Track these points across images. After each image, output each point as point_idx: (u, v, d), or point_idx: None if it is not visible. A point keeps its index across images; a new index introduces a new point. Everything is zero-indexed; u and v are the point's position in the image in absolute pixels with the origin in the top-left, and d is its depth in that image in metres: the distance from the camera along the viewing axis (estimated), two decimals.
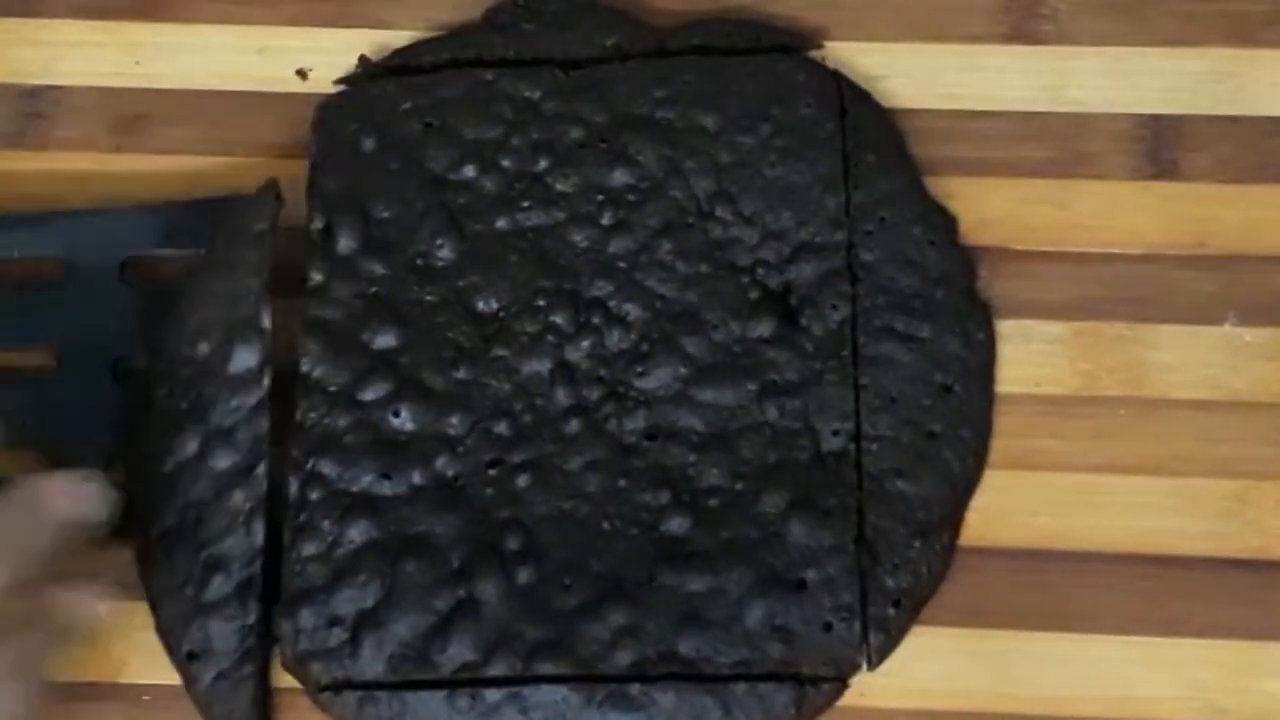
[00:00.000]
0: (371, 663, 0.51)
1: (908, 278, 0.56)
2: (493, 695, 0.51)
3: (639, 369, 0.55)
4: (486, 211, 0.57)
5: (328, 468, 0.53)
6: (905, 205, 0.57)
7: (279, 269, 0.55)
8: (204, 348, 0.54)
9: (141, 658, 0.53)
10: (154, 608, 0.53)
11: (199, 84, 0.61)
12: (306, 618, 0.52)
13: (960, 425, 0.55)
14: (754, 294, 0.55)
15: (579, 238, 0.56)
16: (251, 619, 0.52)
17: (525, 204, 0.57)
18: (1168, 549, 0.54)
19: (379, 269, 0.56)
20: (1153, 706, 0.52)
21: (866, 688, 0.52)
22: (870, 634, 0.52)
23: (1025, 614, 0.53)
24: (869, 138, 0.58)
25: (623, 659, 0.51)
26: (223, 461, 0.53)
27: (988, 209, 0.58)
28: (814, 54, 0.59)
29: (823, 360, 0.55)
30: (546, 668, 0.51)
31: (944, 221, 0.57)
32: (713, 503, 0.53)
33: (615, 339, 0.55)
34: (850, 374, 0.54)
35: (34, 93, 0.61)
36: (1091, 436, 0.55)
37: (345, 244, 0.56)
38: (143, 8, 0.62)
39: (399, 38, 0.61)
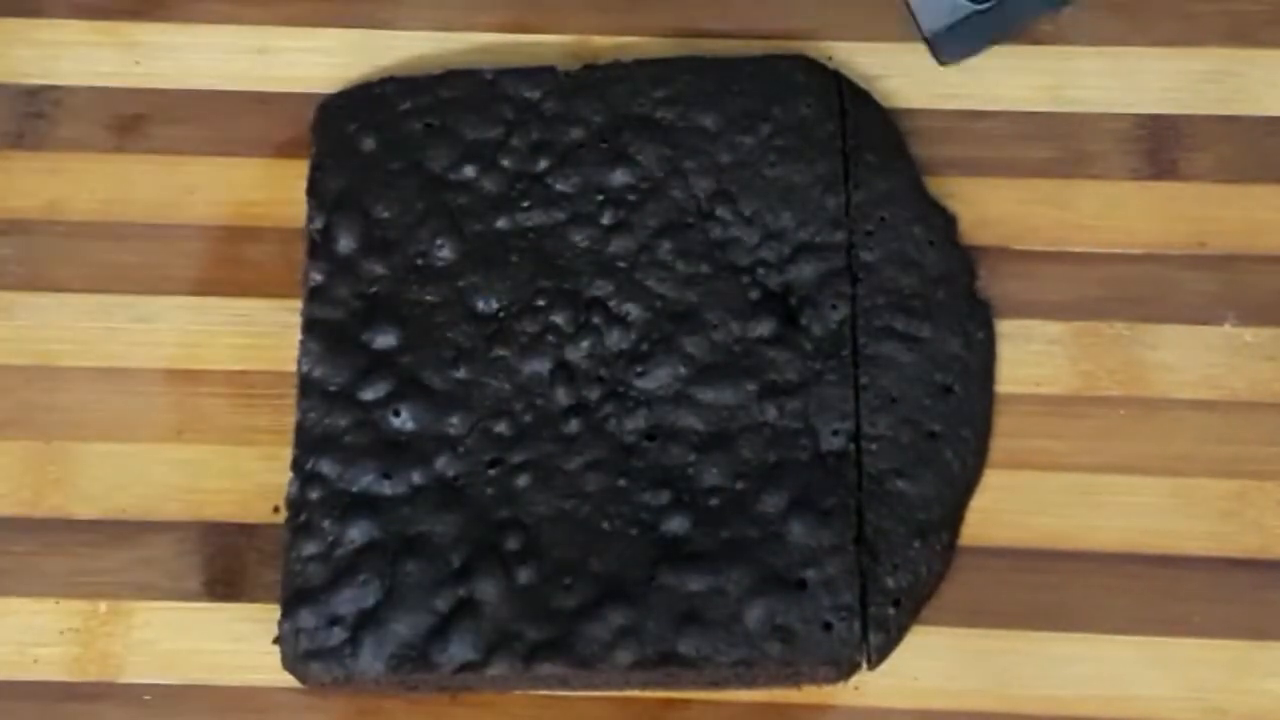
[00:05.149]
0: (371, 662, 0.52)
1: (908, 278, 0.56)
2: None
3: (639, 369, 0.54)
4: (486, 211, 0.57)
5: (328, 467, 0.53)
6: (905, 205, 0.57)
7: (278, 269, 0.55)
8: None
9: (141, 657, 0.53)
10: None
11: (199, 84, 0.61)
12: (306, 617, 0.52)
13: (960, 425, 0.55)
14: (754, 294, 0.55)
15: (579, 238, 0.56)
16: None
17: (525, 204, 0.57)
18: (1168, 549, 0.54)
19: (379, 269, 0.56)
20: (1153, 706, 0.52)
21: (866, 687, 0.52)
22: (870, 634, 0.52)
23: (1025, 614, 0.53)
24: (869, 138, 0.58)
25: (623, 659, 0.51)
26: None
27: (988, 209, 0.58)
28: (814, 54, 0.59)
29: (823, 360, 0.55)
30: (546, 668, 0.51)
31: (944, 221, 0.57)
32: (713, 502, 0.53)
33: (615, 339, 0.55)
34: (850, 374, 0.54)
35: (34, 93, 0.61)
36: (1091, 436, 0.55)
37: (345, 244, 0.56)
38: (143, 8, 0.62)
39: (399, 38, 0.61)
